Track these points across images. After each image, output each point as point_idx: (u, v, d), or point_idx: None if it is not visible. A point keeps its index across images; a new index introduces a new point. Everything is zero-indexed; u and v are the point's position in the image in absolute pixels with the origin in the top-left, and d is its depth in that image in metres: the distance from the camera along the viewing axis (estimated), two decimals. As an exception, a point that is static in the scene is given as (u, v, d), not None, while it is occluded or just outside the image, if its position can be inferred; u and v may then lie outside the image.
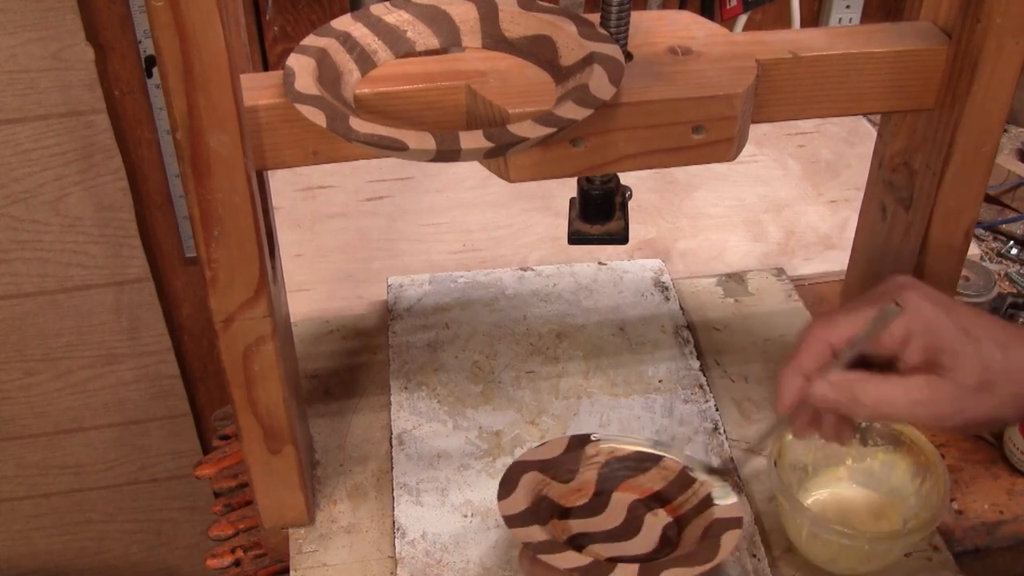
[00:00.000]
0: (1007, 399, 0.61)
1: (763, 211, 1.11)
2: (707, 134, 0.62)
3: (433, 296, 0.96)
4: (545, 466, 0.68)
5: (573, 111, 0.56)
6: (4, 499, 1.53)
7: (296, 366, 0.79)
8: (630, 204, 0.76)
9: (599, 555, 0.64)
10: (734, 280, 1.00)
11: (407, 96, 0.61)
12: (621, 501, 0.69)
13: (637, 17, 0.65)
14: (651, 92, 0.60)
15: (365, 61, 0.62)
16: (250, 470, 0.72)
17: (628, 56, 0.64)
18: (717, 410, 0.84)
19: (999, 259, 1.08)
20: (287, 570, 0.74)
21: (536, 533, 0.63)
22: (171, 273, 1.38)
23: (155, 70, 1.19)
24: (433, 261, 1.03)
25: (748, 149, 0.85)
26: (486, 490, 0.78)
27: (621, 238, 0.75)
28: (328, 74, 0.60)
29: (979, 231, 1.11)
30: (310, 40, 0.61)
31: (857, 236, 0.82)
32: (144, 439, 1.50)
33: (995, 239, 1.11)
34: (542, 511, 0.66)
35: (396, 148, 0.54)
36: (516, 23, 0.64)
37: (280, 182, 1.13)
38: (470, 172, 1.15)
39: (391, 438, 0.82)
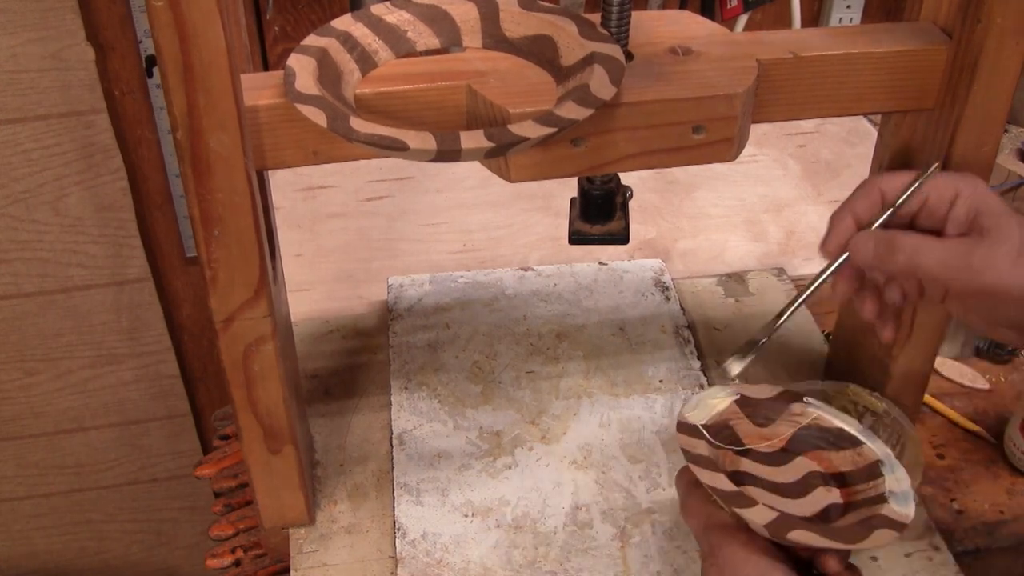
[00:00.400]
0: None
1: (763, 211, 1.11)
2: (707, 134, 0.62)
3: (433, 296, 0.96)
4: (746, 402, 0.67)
5: (574, 111, 0.56)
6: (4, 499, 1.53)
7: (296, 366, 0.79)
8: (630, 204, 0.76)
9: (754, 497, 0.63)
10: (734, 280, 1.00)
11: (407, 96, 0.61)
12: (802, 465, 0.67)
13: (637, 17, 0.65)
14: (651, 92, 0.60)
15: (366, 61, 0.62)
16: (250, 470, 0.72)
17: (629, 56, 0.64)
18: (717, 410, 0.84)
19: (999, 259, 1.08)
20: (287, 570, 0.74)
21: (700, 447, 0.63)
22: (171, 273, 1.38)
23: (155, 70, 1.19)
24: (433, 261, 1.03)
25: (748, 149, 0.85)
26: (486, 490, 0.78)
27: (622, 238, 0.75)
28: (329, 74, 0.60)
29: (979, 231, 1.11)
30: (310, 40, 0.61)
31: (857, 236, 0.82)
32: (144, 439, 1.50)
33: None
34: (720, 436, 0.66)
35: (397, 148, 0.54)
36: (517, 23, 0.64)
37: (280, 182, 1.13)
38: (470, 172, 1.15)
39: (391, 438, 0.82)
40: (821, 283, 0.66)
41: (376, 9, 0.64)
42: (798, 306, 0.66)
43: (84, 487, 1.54)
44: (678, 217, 1.10)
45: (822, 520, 0.63)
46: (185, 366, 1.46)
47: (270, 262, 0.65)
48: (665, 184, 1.15)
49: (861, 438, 0.66)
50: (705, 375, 0.88)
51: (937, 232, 0.64)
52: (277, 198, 1.10)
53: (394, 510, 0.77)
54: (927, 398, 0.88)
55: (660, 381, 0.87)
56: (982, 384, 0.91)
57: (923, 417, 0.87)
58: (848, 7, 1.33)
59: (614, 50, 0.60)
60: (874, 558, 0.74)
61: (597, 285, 0.98)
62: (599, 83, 0.58)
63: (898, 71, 0.66)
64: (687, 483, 0.63)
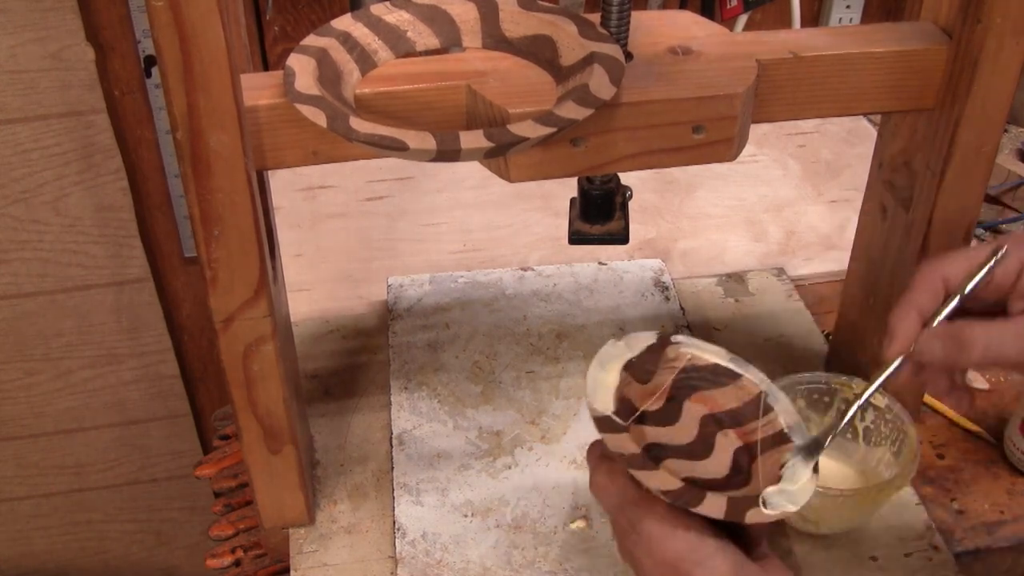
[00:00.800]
0: None
1: (763, 211, 1.11)
2: (707, 134, 0.62)
3: (433, 296, 0.96)
4: (629, 365, 0.64)
5: (573, 111, 0.56)
6: (4, 499, 1.53)
7: (296, 366, 0.79)
8: (630, 204, 0.76)
9: (676, 472, 0.61)
10: (734, 280, 1.00)
11: (407, 96, 0.61)
12: (693, 412, 0.65)
13: (637, 17, 0.65)
14: (651, 92, 0.60)
15: (365, 61, 0.62)
16: (250, 470, 0.72)
17: (628, 56, 0.64)
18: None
19: (999, 259, 1.08)
20: (287, 570, 0.74)
21: (626, 443, 0.59)
22: (171, 273, 1.38)
23: (155, 70, 1.19)
24: (433, 261, 1.03)
25: (748, 149, 0.85)
26: (486, 490, 0.78)
27: (621, 238, 0.74)
28: (328, 74, 0.60)
29: (979, 231, 1.11)
30: (310, 40, 0.61)
31: (857, 236, 0.82)
32: (144, 439, 1.50)
33: (996, 239, 1.11)
34: (623, 413, 0.63)
35: (396, 148, 0.54)
36: (516, 23, 0.64)
37: (280, 182, 1.13)
38: (470, 172, 1.15)
39: (391, 438, 0.82)
40: (884, 381, 0.62)
41: (376, 9, 0.64)
42: (863, 402, 0.63)
43: (84, 487, 1.54)
44: (678, 217, 1.10)
45: (736, 472, 0.61)
46: (185, 366, 1.46)
47: (270, 262, 0.65)
48: (665, 184, 1.15)
49: (736, 369, 0.65)
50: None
51: (999, 309, 0.59)
52: (277, 198, 1.10)
53: (394, 510, 0.77)
54: (927, 398, 0.88)
55: (660, 381, 0.87)
56: (982, 384, 0.91)
57: (923, 417, 0.87)
58: (848, 7, 1.33)
59: (614, 50, 0.60)
60: (874, 558, 0.74)
61: (597, 285, 0.98)
62: (599, 83, 0.58)
63: (898, 71, 0.66)
64: (597, 457, 0.60)
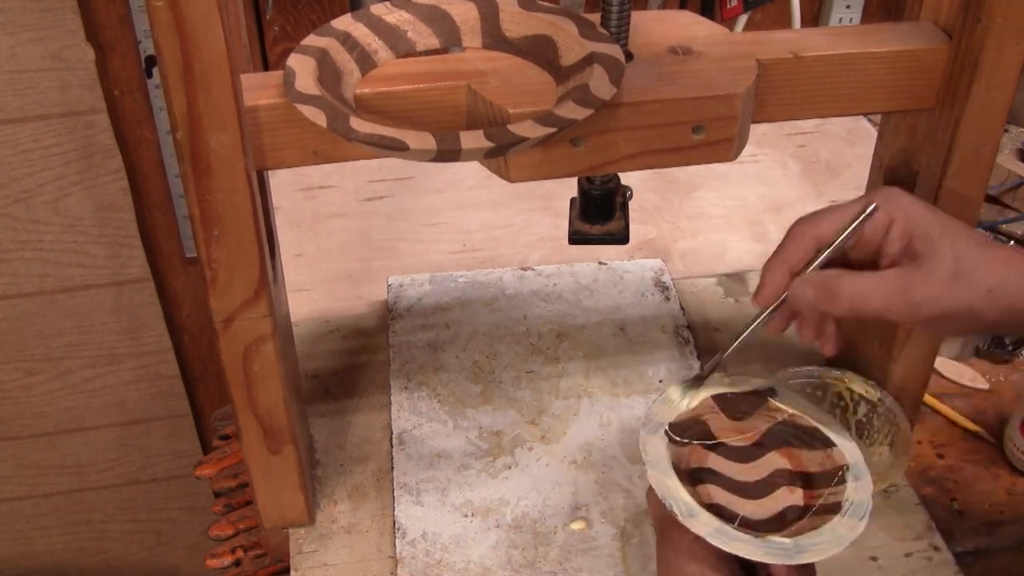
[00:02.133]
0: (982, 292, 0.60)
1: (763, 211, 1.11)
2: (707, 134, 0.62)
3: (433, 296, 0.96)
4: (722, 397, 0.67)
5: (573, 111, 0.56)
6: (4, 499, 1.53)
7: (296, 366, 0.79)
8: (630, 204, 0.76)
9: (711, 496, 0.64)
10: (734, 280, 1.00)
11: (407, 96, 0.61)
12: (771, 462, 0.67)
13: (637, 17, 0.65)
14: (651, 92, 0.60)
15: (365, 61, 0.62)
16: (250, 470, 0.72)
17: (628, 56, 0.64)
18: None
19: (999, 259, 1.08)
20: (287, 570, 0.74)
21: (660, 448, 0.63)
22: (171, 273, 1.38)
23: (155, 70, 1.19)
24: (433, 261, 1.03)
25: (748, 149, 0.85)
26: (486, 490, 0.78)
27: (621, 238, 0.74)
28: (328, 74, 0.60)
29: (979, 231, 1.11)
30: (310, 40, 0.61)
31: (857, 236, 0.82)
32: (144, 439, 1.50)
33: (995, 239, 1.11)
34: (690, 432, 0.66)
35: (396, 148, 0.54)
36: (517, 23, 0.64)
37: (280, 182, 1.13)
38: (470, 172, 1.15)
39: (391, 438, 0.82)
40: (755, 327, 0.66)
41: (376, 9, 0.64)
42: (731, 351, 0.67)
43: (84, 487, 1.54)
44: (678, 217, 1.10)
45: (778, 522, 0.63)
46: (185, 366, 1.46)
47: (270, 262, 0.65)
48: (665, 184, 1.15)
49: (834, 439, 0.66)
50: (705, 375, 0.88)
51: (871, 260, 0.63)
52: (277, 198, 1.10)
53: (394, 510, 0.77)
54: (927, 398, 0.88)
55: (660, 381, 0.87)
56: (982, 384, 0.91)
57: (923, 417, 0.87)
58: (848, 7, 1.33)
59: (614, 50, 0.60)
60: (874, 558, 0.74)
61: (597, 285, 0.98)
62: (599, 83, 0.58)
63: (898, 71, 0.66)
64: None
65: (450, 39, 0.65)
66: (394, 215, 1.10)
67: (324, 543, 0.75)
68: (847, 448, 0.66)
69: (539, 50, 0.63)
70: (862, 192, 0.80)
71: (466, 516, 0.76)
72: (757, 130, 0.70)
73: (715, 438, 0.67)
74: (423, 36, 0.65)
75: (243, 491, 0.83)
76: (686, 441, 0.65)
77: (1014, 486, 0.82)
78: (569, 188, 0.74)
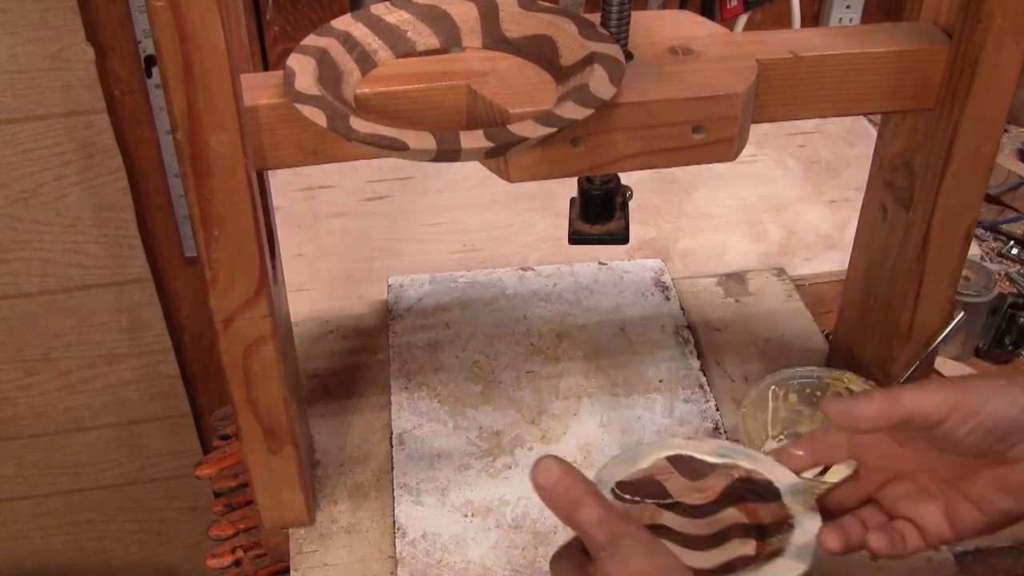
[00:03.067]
0: None
1: (763, 211, 1.11)
2: (707, 134, 0.62)
3: (433, 296, 0.96)
4: (679, 458, 0.66)
5: (574, 111, 0.56)
6: (4, 499, 1.53)
7: (296, 366, 0.79)
8: (630, 204, 0.76)
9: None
10: (734, 280, 1.00)
11: (407, 96, 0.61)
12: (730, 517, 0.67)
13: (637, 17, 0.65)
14: (651, 92, 0.60)
15: (365, 61, 0.62)
16: (250, 470, 0.72)
17: (628, 56, 0.64)
18: (718, 410, 0.84)
19: (999, 259, 1.08)
20: (287, 570, 0.74)
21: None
22: (171, 273, 1.38)
23: (155, 70, 1.19)
24: (433, 261, 1.03)
25: (748, 149, 0.85)
26: (486, 490, 0.78)
27: (621, 238, 0.74)
28: (328, 74, 0.60)
29: (979, 231, 1.11)
30: (310, 40, 0.61)
31: (857, 236, 0.82)
32: (144, 439, 1.50)
33: (995, 239, 1.11)
34: (644, 491, 0.65)
35: (396, 148, 0.54)
36: (517, 23, 0.64)
37: (280, 182, 1.13)
38: (470, 172, 1.15)
39: (391, 438, 0.82)
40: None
41: (376, 9, 0.64)
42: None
43: (84, 487, 1.54)
44: (678, 217, 1.10)
45: (725, 570, 0.62)
46: (185, 366, 1.46)
47: (270, 262, 0.65)
48: (665, 184, 1.15)
49: (782, 496, 0.65)
50: (705, 375, 0.88)
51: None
52: (277, 198, 1.10)
53: (394, 510, 0.77)
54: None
55: (660, 381, 0.87)
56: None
57: (923, 417, 0.87)
58: (848, 7, 1.33)
59: (614, 50, 0.60)
60: (874, 558, 0.74)
61: (597, 285, 0.98)
62: (599, 83, 0.58)
63: (898, 71, 0.66)
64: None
65: (450, 39, 0.65)
66: (394, 215, 1.10)
67: (324, 543, 0.75)
68: (794, 501, 0.65)
69: (539, 50, 0.63)
70: (862, 192, 0.80)
71: (466, 516, 0.76)
72: (757, 130, 0.70)
73: (670, 497, 0.66)
74: (423, 36, 0.65)
75: (243, 491, 0.83)
76: (637, 500, 0.65)
77: (1014, 486, 0.82)
78: (569, 188, 0.74)
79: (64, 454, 1.49)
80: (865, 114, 1.23)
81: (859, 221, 0.81)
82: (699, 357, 0.90)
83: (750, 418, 0.77)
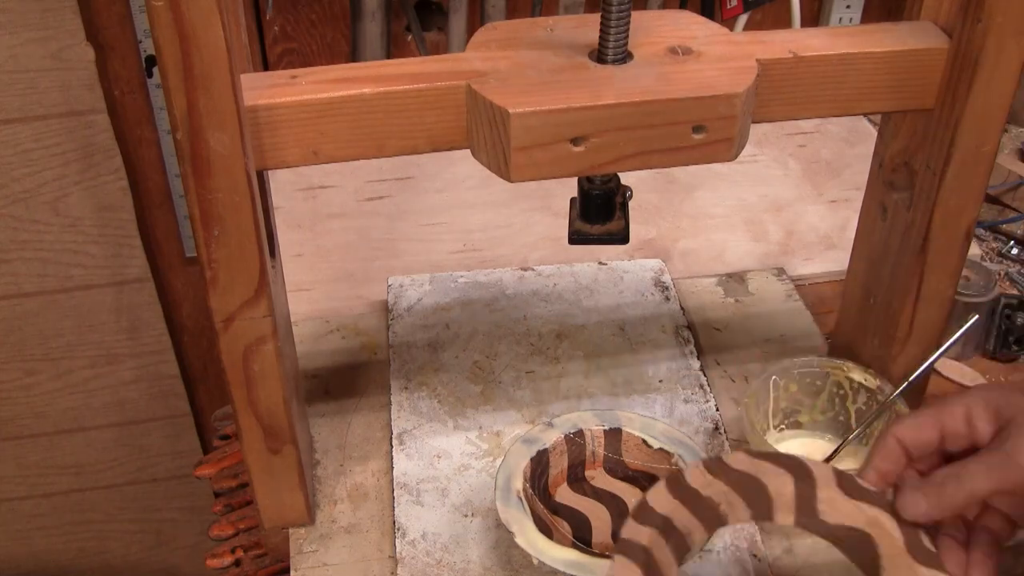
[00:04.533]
0: None
1: (763, 211, 1.11)
2: (707, 134, 0.62)
3: (433, 296, 0.96)
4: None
5: None
6: (4, 499, 1.53)
7: (296, 366, 0.79)
8: (630, 204, 0.76)
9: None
10: (734, 280, 1.00)
11: (407, 96, 0.61)
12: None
13: (637, 17, 0.65)
14: (651, 92, 0.60)
15: (679, 546, 0.59)
16: (250, 470, 0.72)
17: (628, 56, 0.64)
18: (717, 410, 0.84)
19: (1000, 259, 1.08)
20: (287, 570, 0.74)
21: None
22: (171, 273, 1.38)
23: (155, 70, 1.19)
24: (433, 261, 1.03)
25: (748, 149, 0.85)
26: (486, 490, 0.78)
27: (622, 238, 0.74)
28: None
29: (980, 231, 1.11)
30: (631, 532, 0.57)
31: (857, 236, 0.82)
32: (144, 439, 1.50)
33: (996, 239, 1.11)
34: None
35: None
36: (834, 508, 0.60)
37: (281, 182, 1.13)
38: (471, 172, 1.15)
39: (391, 438, 0.82)
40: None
41: (694, 479, 0.60)
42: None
43: (84, 487, 1.54)
44: (678, 217, 1.10)
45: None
46: (185, 366, 1.46)
47: (270, 262, 0.65)
48: (665, 184, 1.15)
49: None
50: (704, 375, 0.88)
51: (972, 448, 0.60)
52: (277, 198, 1.10)
53: (394, 510, 0.77)
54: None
55: (660, 381, 0.87)
56: (969, 380, 0.91)
57: (923, 417, 0.87)
58: (848, 7, 1.33)
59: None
60: (874, 558, 0.74)
61: (597, 285, 0.98)
62: None
63: (898, 71, 0.66)
64: None
65: (762, 513, 0.61)
66: (394, 215, 1.10)
67: (324, 543, 0.75)
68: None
69: (857, 544, 0.60)
70: (862, 192, 0.80)
71: (466, 516, 0.76)
72: (757, 130, 0.70)
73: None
74: (735, 509, 0.60)
75: (243, 491, 0.83)
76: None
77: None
78: (569, 188, 0.74)
79: (64, 454, 1.49)
80: (865, 114, 1.23)
81: (859, 221, 0.81)
82: (699, 357, 0.90)
83: (752, 408, 0.77)
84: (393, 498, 0.78)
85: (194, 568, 1.66)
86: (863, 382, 0.79)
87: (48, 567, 1.62)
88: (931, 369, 0.64)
